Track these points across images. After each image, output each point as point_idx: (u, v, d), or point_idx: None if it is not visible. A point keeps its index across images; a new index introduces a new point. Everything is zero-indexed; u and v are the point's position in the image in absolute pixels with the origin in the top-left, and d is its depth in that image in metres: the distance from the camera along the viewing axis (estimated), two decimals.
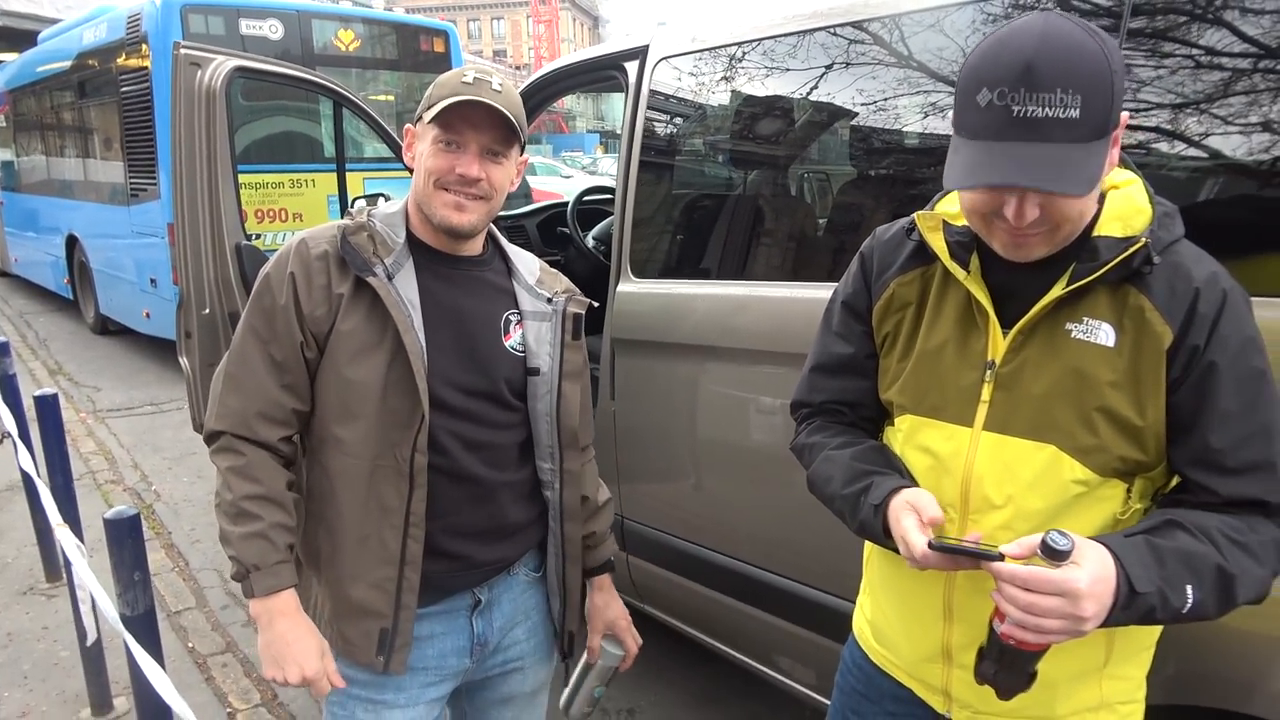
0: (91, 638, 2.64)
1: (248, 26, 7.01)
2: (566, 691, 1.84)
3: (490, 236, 1.64)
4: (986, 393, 1.17)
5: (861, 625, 1.45)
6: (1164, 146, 1.57)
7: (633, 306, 2.54)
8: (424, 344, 1.46)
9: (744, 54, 2.36)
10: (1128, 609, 1.01)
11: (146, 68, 6.73)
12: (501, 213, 4.30)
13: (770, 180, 2.49)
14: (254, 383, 1.45)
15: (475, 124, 1.43)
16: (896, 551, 1.17)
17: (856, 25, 2.04)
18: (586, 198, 4.15)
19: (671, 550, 2.54)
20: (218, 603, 3.64)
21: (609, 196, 4.27)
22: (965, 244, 1.20)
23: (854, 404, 1.37)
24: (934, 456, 1.22)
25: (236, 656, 3.24)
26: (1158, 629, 1.24)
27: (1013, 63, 0.99)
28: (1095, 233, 1.11)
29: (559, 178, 20.62)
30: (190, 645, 3.31)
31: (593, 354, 2.87)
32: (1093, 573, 0.99)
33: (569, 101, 51.39)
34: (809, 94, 2.21)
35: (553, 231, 4.19)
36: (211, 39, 6.59)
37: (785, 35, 2.21)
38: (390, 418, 1.45)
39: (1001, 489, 1.15)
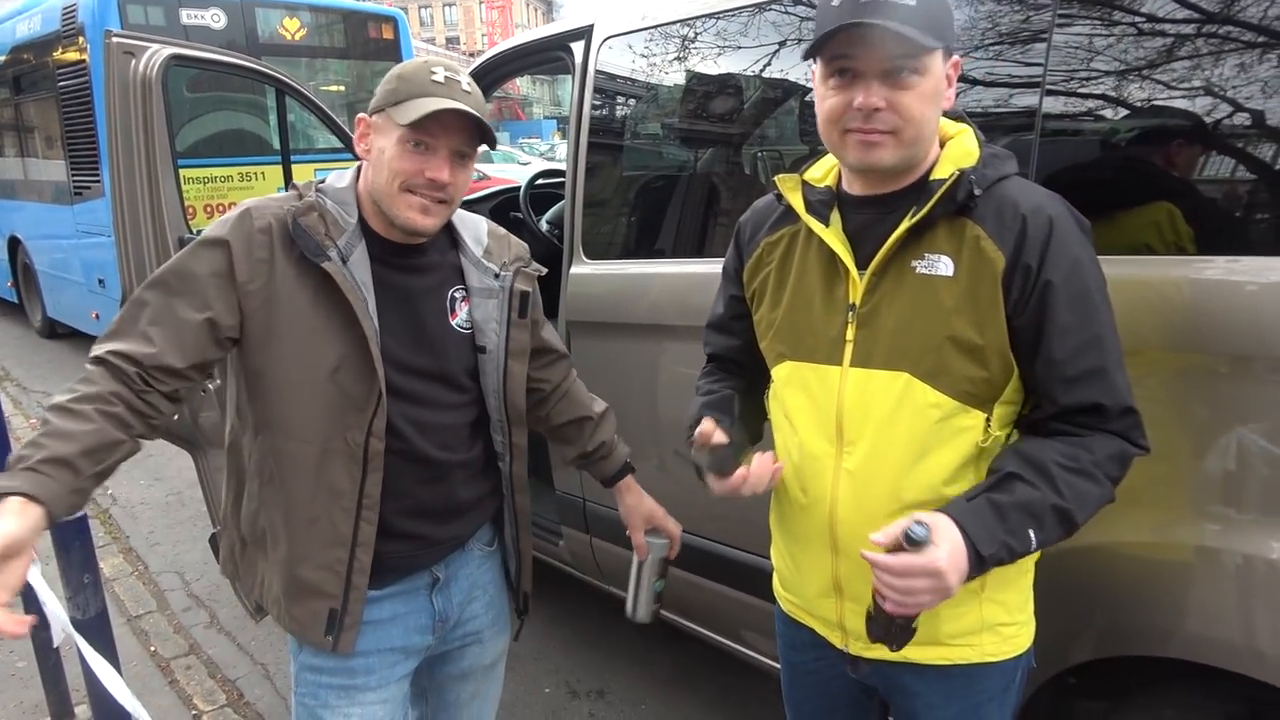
0: (58, 640, 2.58)
1: (189, 16, 6.86)
2: (629, 598, 1.87)
3: None
4: (850, 332, 1.28)
5: (775, 578, 1.54)
6: (1094, 112, 1.58)
7: (586, 288, 2.52)
8: (377, 326, 1.44)
9: (693, 32, 2.34)
10: (980, 566, 1.14)
11: (84, 61, 6.55)
12: None
13: (723, 158, 2.48)
14: (137, 331, 1.36)
15: (447, 127, 1.40)
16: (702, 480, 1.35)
17: (807, 2, 2.03)
18: (539, 181, 4.11)
19: None
20: (179, 605, 3.58)
21: (561, 180, 4.23)
22: (825, 200, 1.32)
23: (732, 359, 1.56)
24: (811, 396, 1.33)
25: (200, 659, 3.19)
26: (1029, 558, 1.33)
27: None
28: (931, 177, 1.23)
29: (516, 164, 20.45)
30: (152, 649, 3.25)
31: None
32: (948, 550, 1.11)
33: (525, 88, 50.92)
34: (760, 71, 2.20)
35: (505, 216, 4.15)
36: (152, 30, 6.44)
37: (734, 10, 2.20)
38: (342, 402, 1.42)
39: (868, 418, 1.26)
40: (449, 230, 1.60)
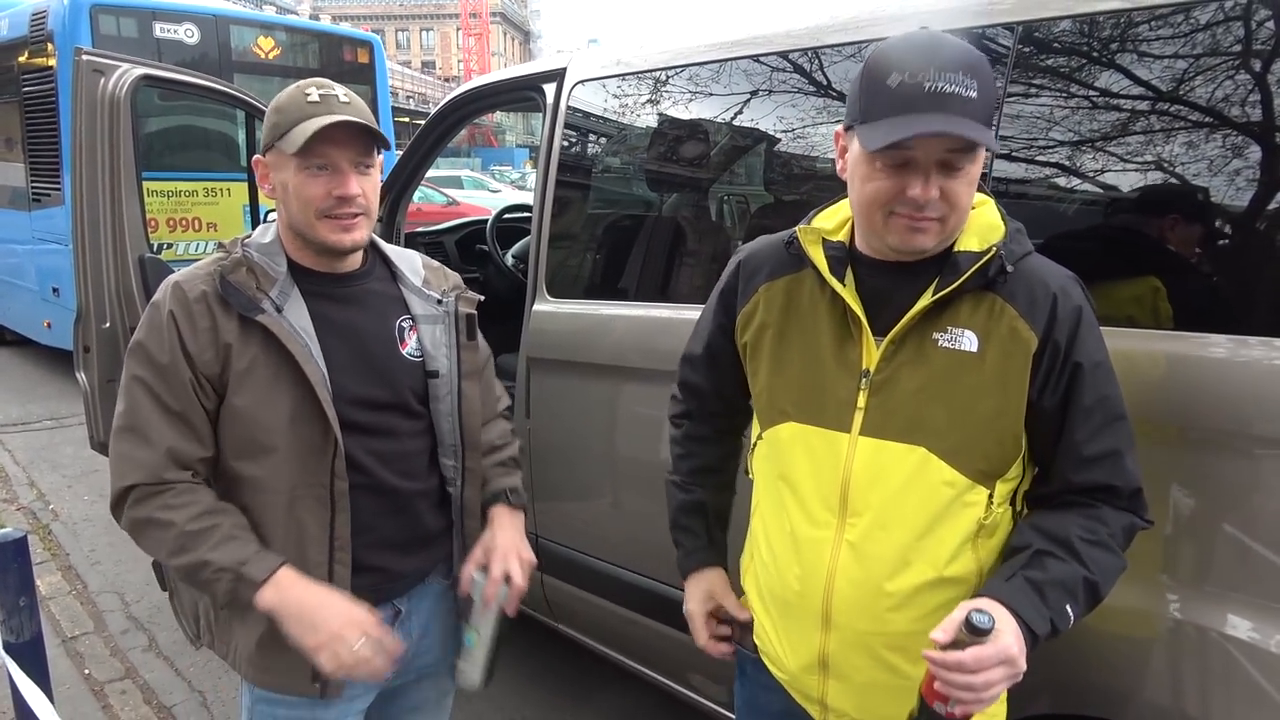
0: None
1: (162, 29, 6.83)
2: (460, 652, 1.65)
3: (370, 245, 1.61)
4: (862, 399, 1.24)
5: (755, 636, 1.47)
6: (1043, 178, 1.65)
7: (549, 325, 2.54)
8: (324, 369, 1.45)
9: (665, 78, 2.39)
10: (1033, 649, 1.12)
11: (51, 68, 6.48)
12: (420, 228, 4.30)
13: (689, 204, 2.53)
14: (155, 433, 1.40)
15: (338, 142, 1.40)
16: None
17: (779, 54, 2.09)
18: (506, 215, 4.14)
19: (586, 569, 2.54)
20: (117, 627, 3.50)
21: (529, 214, 4.26)
22: (841, 258, 1.28)
23: (717, 396, 1.52)
24: (814, 461, 1.28)
25: (136, 683, 3.11)
26: None
27: (919, 50, 1.12)
28: (956, 249, 1.21)
29: (487, 191, 20.50)
30: (86, 672, 3.17)
31: (509, 372, 2.87)
32: (1014, 634, 1.09)
33: (499, 116, 51.19)
34: (730, 119, 2.25)
35: (472, 249, 4.17)
36: (123, 41, 6.40)
37: (707, 62, 2.25)
38: (302, 447, 1.43)
39: (877, 491, 1.23)
40: (386, 263, 1.62)
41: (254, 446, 1.43)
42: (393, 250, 1.65)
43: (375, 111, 8.20)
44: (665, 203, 2.56)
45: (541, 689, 3.07)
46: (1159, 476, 1.43)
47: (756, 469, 1.41)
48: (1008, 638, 1.07)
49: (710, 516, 1.56)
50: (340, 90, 1.44)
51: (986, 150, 1.17)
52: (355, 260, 1.56)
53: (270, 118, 1.45)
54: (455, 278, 1.71)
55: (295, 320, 1.44)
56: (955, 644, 1.06)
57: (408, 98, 39.13)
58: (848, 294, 1.25)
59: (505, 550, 1.59)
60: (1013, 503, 1.26)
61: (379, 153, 1.49)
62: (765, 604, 1.39)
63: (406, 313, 1.58)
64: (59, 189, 6.54)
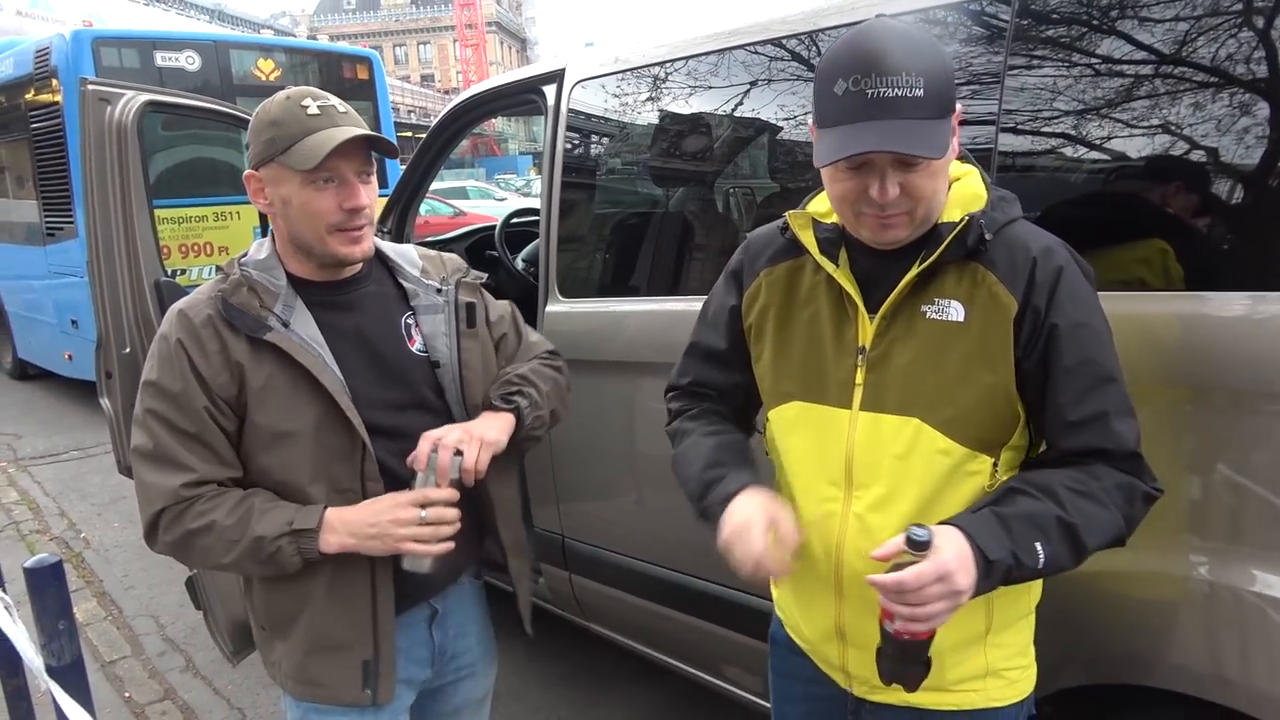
0: (41, 689, 2.54)
1: (163, 58, 6.90)
2: None
3: None
4: (860, 376, 1.27)
5: (777, 608, 1.53)
6: (1049, 148, 1.64)
7: (562, 326, 2.55)
8: (341, 376, 1.45)
9: (664, 73, 2.40)
10: (988, 577, 1.11)
11: (58, 103, 6.55)
12: (430, 238, 4.32)
13: (695, 196, 2.53)
14: (177, 458, 1.41)
15: (346, 154, 1.39)
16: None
17: (775, 42, 2.09)
18: (515, 220, 4.15)
19: (614, 566, 2.55)
20: (154, 649, 3.54)
21: (537, 218, 4.27)
22: (834, 240, 1.30)
23: (719, 390, 1.50)
24: (819, 438, 1.31)
25: (176, 704, 3.14)
26: (1031, 597, 1.34)
27: (862, 53, 1.12)
28: (939, 221, 1.22)
29: (493, 200, 20.54)
30: (127, 695, 3.21)
31: None
32: (954, 552, 1.10)
33: (501, 124, 51.29)
34: (730, 110, 2.26)
35: (481, 254, 4.18)
36: (125, 72, 6.47)
37: (705, 54, 2.26)
38: (329, 456, 1.44)
39: (878, 463, 1.25)
40: (381, 259, 1.60)
41: (283, 463, 1.44)
42: (387, 247, 1.63)
43: (377, 125, 8.29)
44: (671, 197, 2.57)
45: (575, 688, 3.08)
46: (1182, 438, 1.43)
47: (769, 448, 1.44)
48: (946, 554, 1.08)
49: (750, 455, 1.44)
50: (335, 99, 1.43)
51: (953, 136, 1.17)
52: (356, 265, 1.54)
53: (264, 131, 1.41)
54: (455, 262, 1.67)
55: (304, 332, 1.44)
56: (896, 568, 1.09)
57: (409, 112, 39.29)
58: (840, 274, 1.27)
59: (465, 428, 1.49)
60: (1023, 468, 1.27)
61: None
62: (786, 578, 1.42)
63: (409, 308, 1.57)
64: (72, 223, 6.61)
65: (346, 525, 1.40)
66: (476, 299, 1.63)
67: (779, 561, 1.25)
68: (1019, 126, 1.62)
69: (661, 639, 2.54)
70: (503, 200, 20.51)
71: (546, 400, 1.63)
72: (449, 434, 1.45)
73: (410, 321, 1.56)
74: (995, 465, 1.23)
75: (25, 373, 8.37)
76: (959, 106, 1.19)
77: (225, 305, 1.42)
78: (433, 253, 1.68)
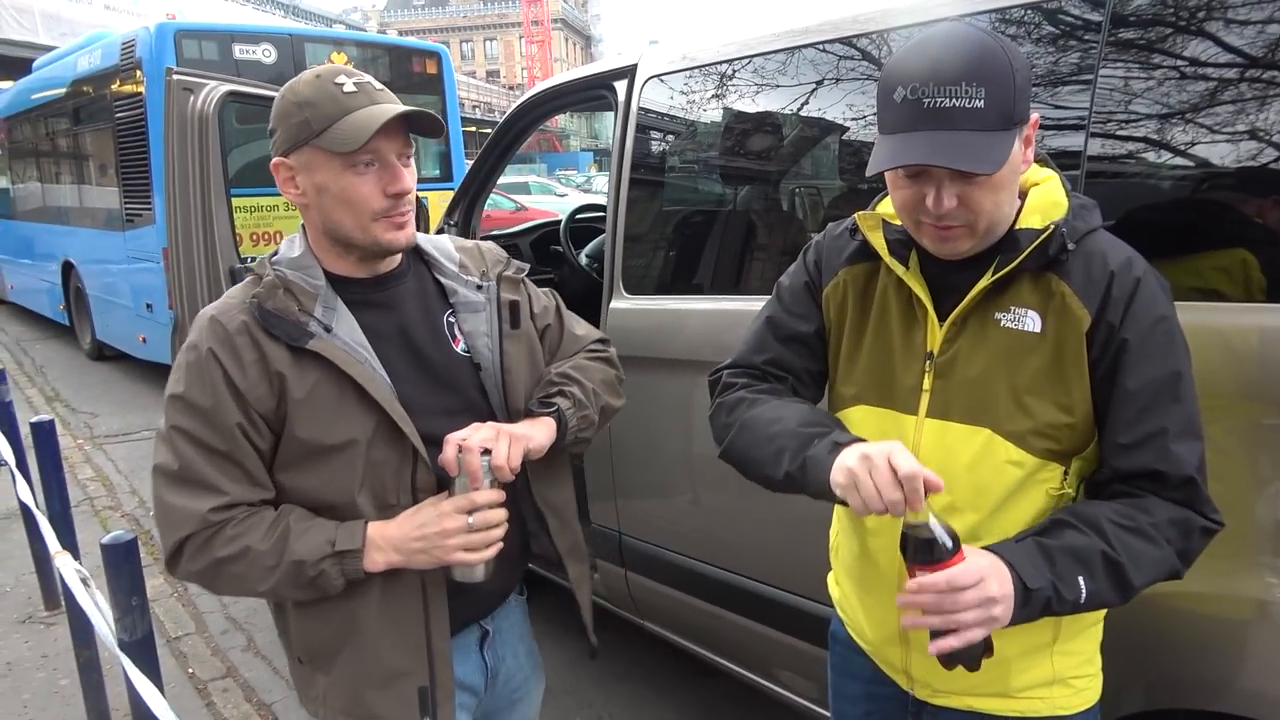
0: (111, 662, 2.63)
1: (241, 51, 7.06)
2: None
3: None
4: (927, 382, 1.24)
5: (837, 608, 1.52)
6: (1142, 153, 1.58)
7: (626, 323, 2.55)
8: (390, 384, 1.34)
9: (733, 71, 2.38)
10: (1026, 606, 1.10)
11: (141, 93, 6.77)
12: (495, 231, 4.36)
13: (761, 195, 2.51)
14: (205, 480, 1.27)
15: (387, 134, 1.27)
16: (829, 499, 1.18)
17: (845, 41, 2.06)
18: (579, 215, 4.17)
19: (670, 566, 2.54)
20: (217, 628, 3.63)
21: (601, 214, 4.28)
22: (904, 241, 1.27)
23: (799, 376, 1.41)
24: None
25: (237, 681, 3.23)
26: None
27: (922, 61, 1.10)
28: (1017, 227, 1.19)
29: (554, 196, 20.69)
30: (190, 671, 3.30)
31: None
32: (990, 561, 1.09)
33: (563, 120, 51.63)
34: (798, 109, 2.23)
35: (546, 250, 4.21)
36: (205, 64, 6.64)
37: (774, 52, 2.23)
38: (378, 470, 1.33)
39: (944, 471, 1.19)
40: (417, 251, 1.48)
41: (325, 476, 1.32)
42: (422, 238, 1.49)
43: (444, 119, 8.37)
44: (740, 196, 2.54)
45: (627, 684, 3.08)
46: (1259, 454, 1.39)
47: None
48: (974, 559, 1.08)
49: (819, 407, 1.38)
50: (369, 77, 1.33)
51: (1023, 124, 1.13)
52: (391, 260, 1.42)
53: (294, 113, 1.28)
54: (494, 254, 1.54)
55: (348, 337, 1.32)
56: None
57: (473, 107, 39.77)
58: (910, 277, 1.25)
59: (492, 425, 1.36)
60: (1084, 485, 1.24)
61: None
62: (848, 577, 1.44)
63: (449, 305, 1.46)
64: (150, 209, 6.83)
65: (391, 541, 1.30)
66: (520, 295, 1.51)
67: (896, 499, 1.06)
68: (1111, 131, 1.56)
69: (716, 640, 2.52)
70: (564, 196, 20.66)
71: (593, 398, 1.50)
72: (474, 434, 1.32)
73: (452, 320, 1.45)
74: (1066, 472, 1.20)
75: (102, 354, 8.68)
76: (1035, 115, 1.16)
77: (261, 311, 1.29)
78: (469, 243, 1.55)
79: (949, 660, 1.13)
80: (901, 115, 1.11)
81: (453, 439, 1.32)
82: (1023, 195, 1.22)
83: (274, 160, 1.33)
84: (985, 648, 1.13)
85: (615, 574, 2.74)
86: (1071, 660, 1.28)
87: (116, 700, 2.84)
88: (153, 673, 1.92)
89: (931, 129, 1.08)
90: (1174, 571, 1.15)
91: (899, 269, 1.26)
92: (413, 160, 1.34)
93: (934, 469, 1.18)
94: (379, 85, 1.31)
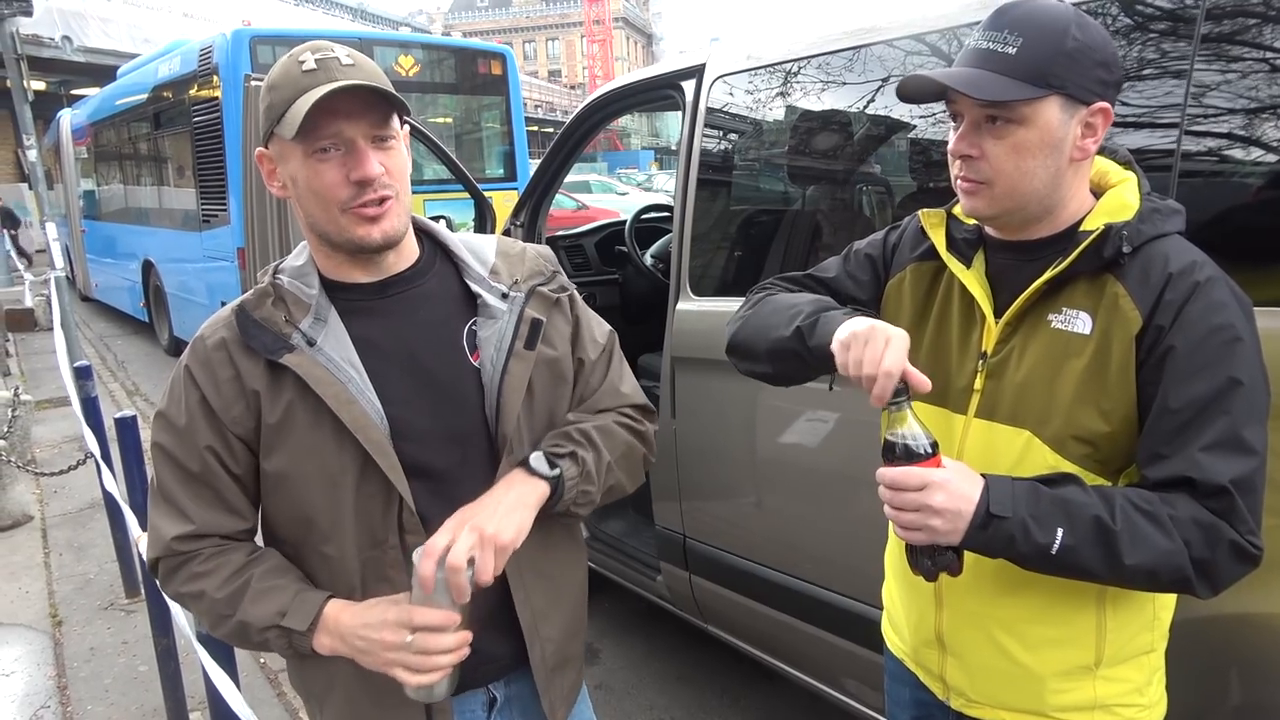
0: (185, 655, 2.71)
1: None
2: None
3: (422, 233, 1.33)
4: (979, 381, 1.23)
5: (885, 615, 1.50)
6: (1238, 152, 1.51)
7: (692, 324, 2.53)
8: (378, 404, 1.19)
9: (801, 70, 2.34)
10: (985, 529, 1.07)
11: (217, 98, 6.97)
12: (559, 231, 4.38)
13: (829, 196, 2.47)
14: (177, 503, 1.20)
15: (348, 114, 1.12)
16: (822, 365, 1.20)
17: (915, 38, 2.02)
18: (644, 215, 4.16)
19: (735, 570, 2.51)
20: None
21: (666, 214, 4.28)
22: (971, 241, 1.27)
23: (838, 294, 1.41)
24: None
25: None
26: (1155, 635, 1.24)
27: (994, 9, 1.15)
28: (1081, 227, 1.16)
29: (614, 194, 20.77)
30: (262, 660, 3.38)
31: (652, 372, 2.88)
32: (955, 473, 1.09)
33: (623, 118, 51.74)
34: (868, 108, 2.19)
35: (611, 250, 4.21)
36: None
37: (843, 50, 2.19)
38: (369, 503, 1.20)
39: (988, 473, 1.18)
40: (448, 255, 1.32)
41: (304, 515, 1.20)
42: (455, 238, 1.34)
43: (509, 119, 8.48)
44: (811, 197, 2.51)
45: (691, 688, 3.06)
46: None
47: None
48: (940, 470, 1.08)
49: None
50: (342, 51, 1.16)
51: (1076, 102, 1.11)
52: (401, 259, 1.26)
53: (264, 98, 1.17)
54: (537, 263, 1.35)
55: (335, 352, 1.19)
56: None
57: (535, 106, 40.14)
58: (969, 275, 1.24)
59: (476, 526, 1.14)
60: None
61: (402, 124, 1.22)
62: (892, 574, 1.44)
63: (475, 312, 1.28)
64: (225, 210, 7.04)
65: (341, 628, 1.16)
66: (548, 315, 1.31)
67: (913, 381, 1.09)
68: (1206, 129, 1.49)
69: (780, 646, 2.49)
70: (624, 195, 20.71)
71: (603, 474, 1.29)
72: (458, 542, 1.12)
73: (475, 329, 1.27)
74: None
75: (179, 350, 8.94)
76: (1103, 105, 1.12)
77: (243, 320, 1.19)
78: (517, 248, 1.37)
79: (913, 562, 1.16)
80: (958, 57, 1.16)
81: (430, 552, 1.11)
82: (1100, 195, 1.20)
83: (256, 151, 1.23)
84: (941, 563, 1.13)
85: (679, 577, 2.72)
86: (1117, 687, 1.22)
87: (192, 687, 2.92)
88: (227, 662, 1.97)
89: (963, 65, 1.13)
90: (1182, 575, 1.06)
91: (956, 267, 1.25)
92: (396, 143, 1.19)
93: (976, 469, 1.17)
94: (350, 60, 1.15)
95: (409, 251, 1.28)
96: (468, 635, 1.15)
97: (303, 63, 1.14)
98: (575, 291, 1.39)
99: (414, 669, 1.13)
